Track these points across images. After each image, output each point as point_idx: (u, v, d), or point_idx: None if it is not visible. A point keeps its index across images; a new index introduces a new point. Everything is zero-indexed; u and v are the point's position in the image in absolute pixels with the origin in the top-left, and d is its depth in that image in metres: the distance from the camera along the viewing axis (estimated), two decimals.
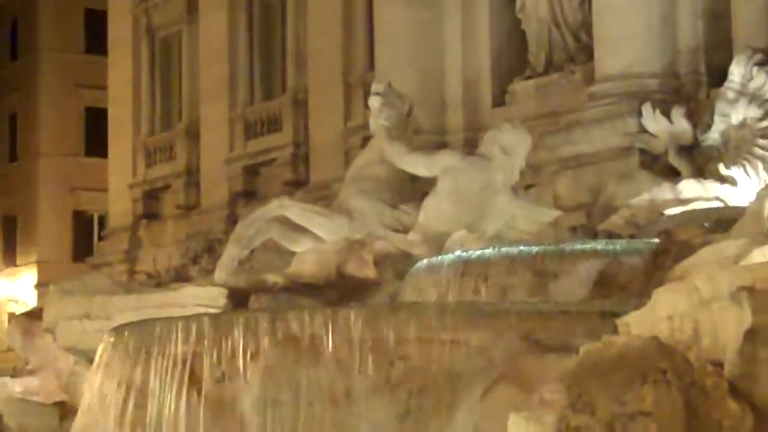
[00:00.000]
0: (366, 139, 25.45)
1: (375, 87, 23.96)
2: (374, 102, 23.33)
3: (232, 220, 29.09)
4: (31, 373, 22.53)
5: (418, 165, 22.40)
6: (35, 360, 23.09)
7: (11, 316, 31.84)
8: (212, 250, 27.86)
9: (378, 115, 23.11)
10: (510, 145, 21.01)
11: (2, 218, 58.92)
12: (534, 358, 12.51)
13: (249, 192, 32.33)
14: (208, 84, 34.93)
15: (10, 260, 57.70)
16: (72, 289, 24.39)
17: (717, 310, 10.69)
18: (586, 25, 23.82)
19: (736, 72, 20.44)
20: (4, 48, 60.66)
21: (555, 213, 20.41)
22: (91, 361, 17.21)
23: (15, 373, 23.37)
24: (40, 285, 47.96)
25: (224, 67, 34.48)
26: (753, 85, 20.10)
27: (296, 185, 30.10)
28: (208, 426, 14.36)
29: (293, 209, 23.40)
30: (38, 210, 56.55)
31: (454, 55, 26.19)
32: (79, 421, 16.42)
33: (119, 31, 39.11)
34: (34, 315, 25.93)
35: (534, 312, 14.82)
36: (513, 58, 25.55)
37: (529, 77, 24.83)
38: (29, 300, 47.12)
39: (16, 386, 22.02)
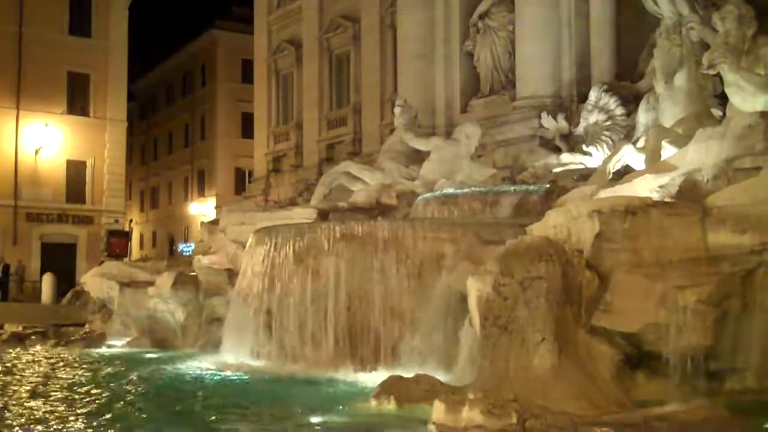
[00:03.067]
0: (391, 130, 25.38)
1: (397, 102, 23.83)
2: (397, 110, 23.24)
3: (320, 173, 29.08)
4: (212, 253, 22.67)
5: (420, 144, 22.34)
6: (214, 246, 23.19)
7: (202, 223, 32.02)
8: (309, 189, 27.88)
9: (399, 116, 23.04)
10: (469, 133, 20.95)
11: (198, 172, 59.11)
12: (482, 247, 12.54)
13: (329, 158, 32.28)
14: (308, 100, 34.83)
15: (201, 194, 57.90)
16: (234, 209, 24.50)
17: (580, 222, 10.74)
18: (512, 69, 23.66)
19: (592, 95, 20.33)
20: (197, 77, 60.33)
21: (492, 171, 20.39)
22: (245, 247, 17.29)
23: (204, 252, 23.50)
24: (217, 207, 48.16)
25: (316, 92, 34.36)
26: (601, 103, 19.98)
27: (354, 155, 30.00)
28: (308, 283, 14.40)
29: (353, 167, 23.38)
30: (216, 167, 56.61)
31: (440, 85, 26.07)
32: (239, 280, 16.54)
33: (260, 71, 38.97)
34: (214, 222, 26.05)
35: (481, 222, 14.86)
36: (472, 87, 25.39)
37: (480, 97, 24.70)
38: (211, 214, 47.34)
39: (205, 260, 22.17)
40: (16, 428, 9.12)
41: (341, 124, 33.16)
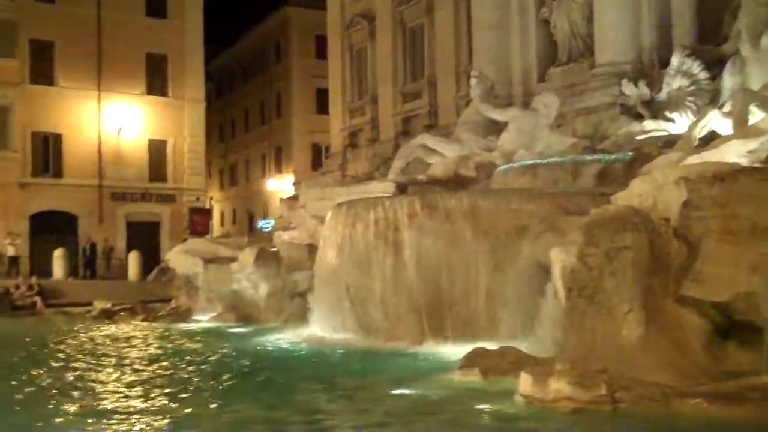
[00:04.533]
0: (467, 102, 25.20)
1: (473, 73, 23.66)
2: (473, 81, 23.09)
3: (396, 147, 29.06)
4: (293, 228, 22.92)
5: (497, 115, 22.15)
6: (294, 222, 23.45)
7: (281, 199, 32.38)
8: (386, 163, 27.89)
9: (475, 87, 22.88)
10: (548, 102, 20.67)
11: (275, 149, 59.61)
12: (564, 218, 12.37)
13: (405, 132, 32.16)
14: (382, 74, 34.67)
15: (278, 170, 58.31)
16: (313, 184, 24.73)
17: (666, 190, 10.49)
18: (590, 35, 23.14)
19: (674, 60, 19.79)
20: (272, 55, 60.73)
21: (572, 140, 20.03)
22: (324, 221, 17.42)
23: (284, 228, 23.78)
24: (295, 183, 48.58)
25: (390, 65, 34.20)
26: (684, 67, 19.45)
27: (430, 127, 29.82)
28: (389, 256, 14.45)
29: (429, 140, 23.34)
30: (293, 143, 56.96)
31: (516, 55, 25.68)
32: (320, 254, 16.68)
33: (333, 46, 38.94)
34: (293, 198, 26.35)
35: (563, 192, 14.65)
36: (549, 55, 24.94)
37: (558, 65, 24.25)
38: (289, 190, 47.78)
39: (285, 236, 22.44)
40: (112, 399, 9.43)
41: (416, 97, 33.02)
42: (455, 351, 11.91)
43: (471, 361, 10.28)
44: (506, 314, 12.60)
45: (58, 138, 42.69)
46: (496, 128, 21.86)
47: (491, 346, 11.20)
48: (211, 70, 58.65)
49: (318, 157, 51.94)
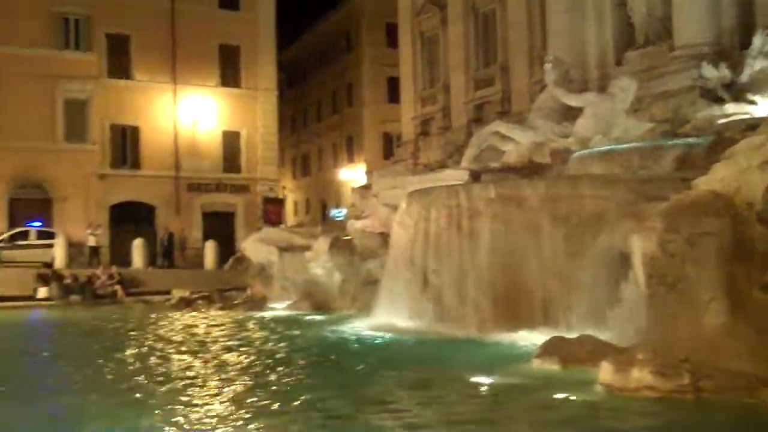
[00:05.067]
0: (541, 88, 24.88)
1: (547, 58, 23.33)
2: (547, 66, 22.74)
3: (469, 134, 28.89)
4: (365, 217, 23.03)
5: (573, 100, 21.81)
6: (367, 210, 23.56)
7: (353, 188, 32.54)
8: (458, 151, 27.74)
9: (549, 73, 22.54)
10: (625, 86, 20.25)
11: (347, 138, 59.86)
12: (644, 204, 12.13)
13: (477, 119, 31.90)
14: (454, 61, 34.44)
15: (350, 160, 58.52)
16: (385, 173, 24.78)
17: (750, 174, 10.22)
18: (668, 17, 22.57)
19: (756, 41, 19.26)
20: (342, 44, 60.94)
21: (650, 125, 19.58)
22: (397, 210, 17.44)
23: (356, 217, 23.91)
24: (367, 172, 48.78)
25: (462, 52, 33.95)
26: (766, 48, 18.93)
27: (503, 114, 29.55)
28: (463, 244, 14.42)
29: (503, 126, 23.13)
30: (364, 133, 57.08)
31: (591, 38, 25.15)
32: (393, 243, 16.72)
33: (404, 34, 38.79)
34: (366, 187, 26.46)
35: (643, 178, 14.36)
36: (625, 39, 24.38)
37: (635, 48, 23.71)
38: (361, 179, 48.01)
39: (358, 224, 22.56)
40: (191, 384, 9.63)
41: (489, 84, 32.73)
42: (532, 339, 11.83)
43: (549, 349, 10.21)
44: (583, 302, 12.42)
45: (135, 130, 43.72)
46: (571, 114, 21.53)
47: (567, 334, 11.11)
48: (282, 61, 59.19)
49: (389, 146, 51.99)
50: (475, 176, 19.52)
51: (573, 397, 8.29)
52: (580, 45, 25.32)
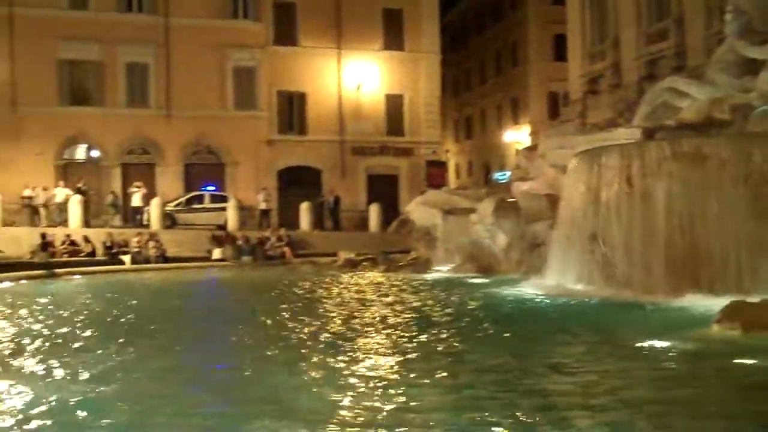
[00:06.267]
0: (720, 41, 23.54)
1: (728, 8, 22.00)
2: (727, 17, 21.49)
3: (640, 91, 27.81)
4: (531, 179, 22.71)
5: (756, 52, 20.48)
6: (533, 172, 23.22)
7: (517, 150, 32.15)
8: (629, 109, 26.77)
9: (729, 24, 21.28)
10: None
11: (511, 99, 59.24)
12: None
13: (650, 75, 30.65)
14: (624, 15, 33.23)
15: (515, 121, 57.91)
16: (552, 133, 24.33)
17: None
18: None
19: None
20: (506, 3, 60.01)
21: None
22: (564, 171, 17.09)
23: (521, 179, 23.61)
24: (532, 133, 48.16)
25: (632, 6, 32.62)
26: None
27: (677, 70, 28.19)
28: (637, 205, 13.96)
29: (678, 82, 22.08)
30: (529, 93, 56.24)
31: None
32: (562, 204, 16.42)
33: None
34: (532, 148, 26.07)
35: None
36: None
37: None
38: (525, 141, 47.43)
39: (524, 186, 22.28)
40: (363, 343, 9.81)
41: (662, 38, 31.32)
42: (709, 304, 11.31)
43: (729, 314, 9.71)
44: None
45: (302, 96, 44.84)
46: (753, 67, 20.23)
47: (750, 299, 10.56)
48: (445, 24, 58.91)
49: (554, 106, 50.94)
50: (649, 134, 18.76)
51: (755, 364, 7.87)
52: None
